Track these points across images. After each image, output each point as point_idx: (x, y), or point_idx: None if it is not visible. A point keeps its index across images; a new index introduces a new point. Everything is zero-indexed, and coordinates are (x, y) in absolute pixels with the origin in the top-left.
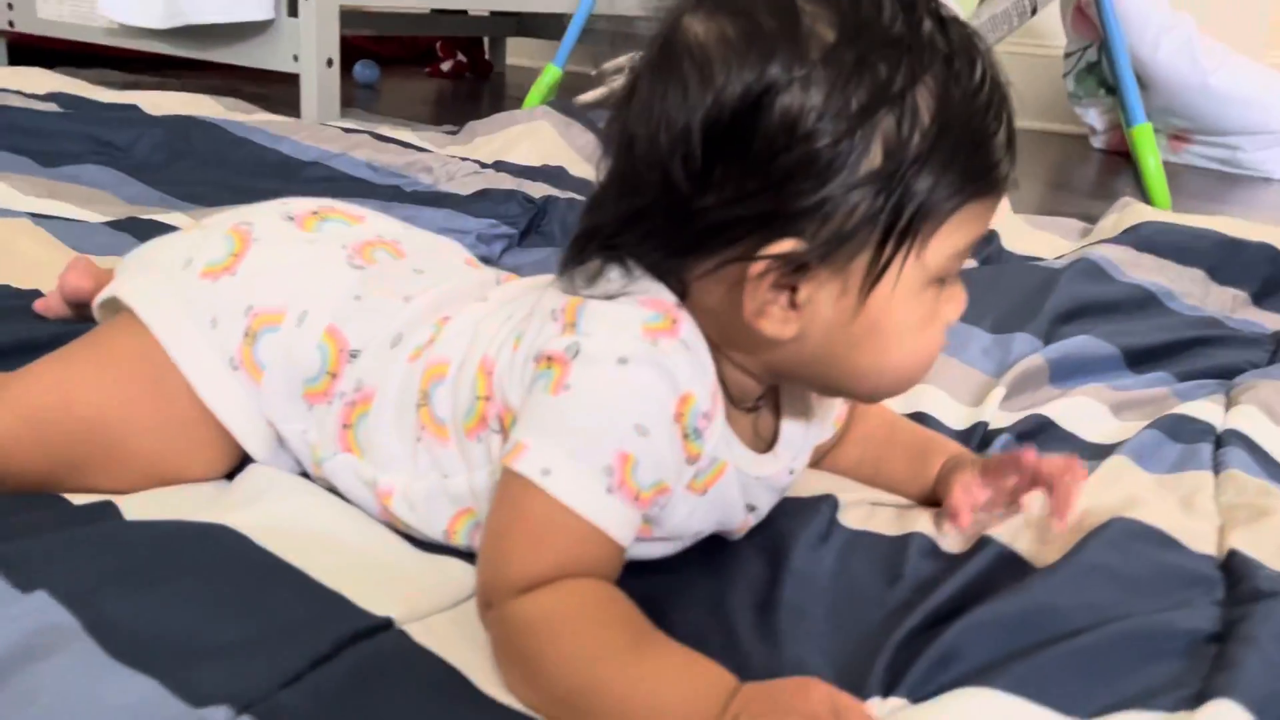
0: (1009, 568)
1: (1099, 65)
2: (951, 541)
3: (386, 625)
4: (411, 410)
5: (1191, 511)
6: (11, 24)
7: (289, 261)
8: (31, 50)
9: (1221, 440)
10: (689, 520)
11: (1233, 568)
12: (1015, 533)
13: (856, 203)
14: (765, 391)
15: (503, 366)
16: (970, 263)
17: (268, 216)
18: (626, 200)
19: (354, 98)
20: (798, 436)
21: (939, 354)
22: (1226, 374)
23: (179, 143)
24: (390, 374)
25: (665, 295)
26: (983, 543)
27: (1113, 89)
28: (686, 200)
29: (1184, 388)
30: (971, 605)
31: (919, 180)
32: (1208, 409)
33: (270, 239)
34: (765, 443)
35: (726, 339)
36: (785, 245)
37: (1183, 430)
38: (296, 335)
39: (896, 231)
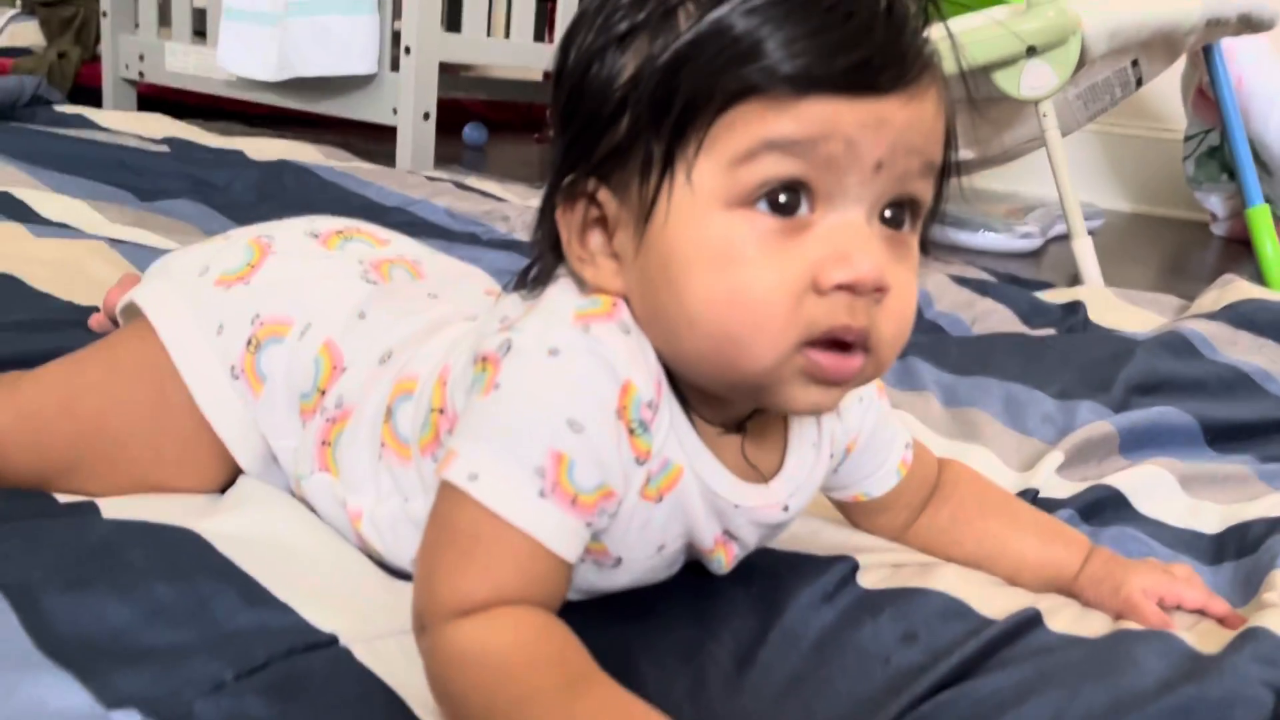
0: (1041, 635)
1: (1220, 150)
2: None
3: (330, 642)
4: (379, 426)
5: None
6: (142, 75)
7: (303, 274)
8: (165, 103)
9: None
10: (645, 533)
11: None
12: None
13: (615, 121)
14: (753, 412)
15: (456, 374)
16: (1049, 331)
17: (291, 231)
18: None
19: (460, 157)
20: (802, 471)
21: (774, 298)
22: None
23: (271, 184)
24: (371, 392)
25: None
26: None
27: (1234, 174)
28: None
29: (1269, 470)
30: (997, 670)
31: (664, 89)
32: None
33: (289, 252)
34: (764, 475)
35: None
36: (569, 177)
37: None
38: (298, 348)
39: (657, 153)
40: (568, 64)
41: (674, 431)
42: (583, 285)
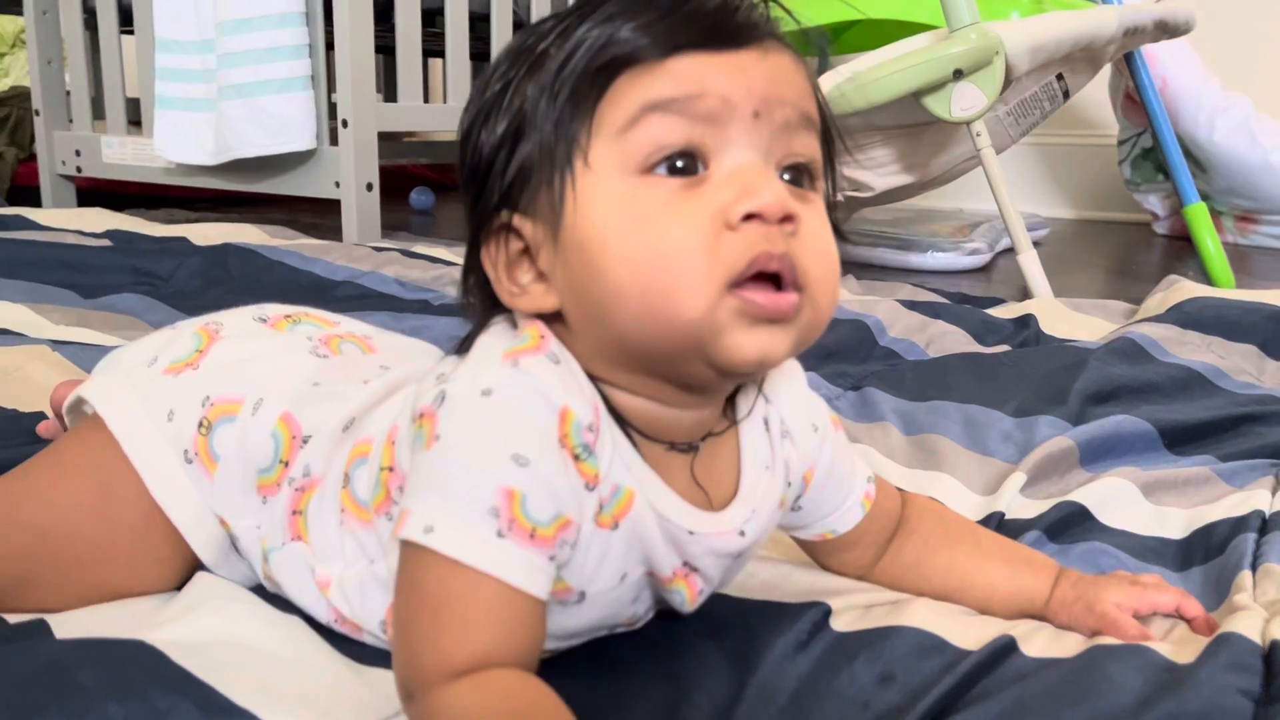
0: (1018, 661)
1: (1154, 151)
2: None
3: None
4: (339, 493)
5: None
6: (79, 169)
7: (251, 353)
8: (106, 196)
9: (1268, 525)
10: (605, 563)
11: (1273, 660)
12: (1030, 630)
13: (515, 149)
14: (706, 434)
15: (402, 433)
16: (1003, 348)
17: (240, 318)
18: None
19: (409, 223)
20: (756, 493)
21: (690, 244)
22: (1278, 454)
23: (215, 269)
24: (334, 459)
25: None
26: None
27: (1169, 174)
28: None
29: (1229, 468)
30: (976, 704)
31: (548, 99)
32: (1254, 494)
33: (237, 335)
34: (717, 501)
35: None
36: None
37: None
38: (251, 424)
39: (559, 152)
40: (466, 129)
41: (619, 455)
42: (515, 326)
